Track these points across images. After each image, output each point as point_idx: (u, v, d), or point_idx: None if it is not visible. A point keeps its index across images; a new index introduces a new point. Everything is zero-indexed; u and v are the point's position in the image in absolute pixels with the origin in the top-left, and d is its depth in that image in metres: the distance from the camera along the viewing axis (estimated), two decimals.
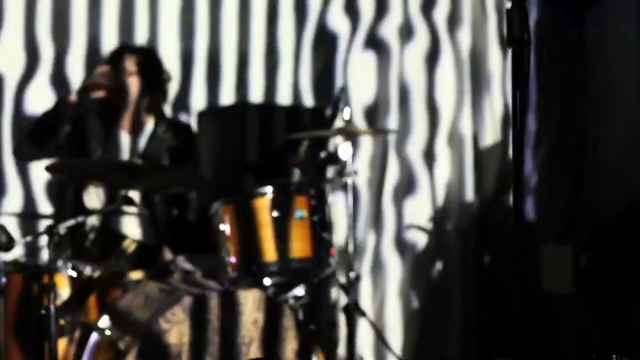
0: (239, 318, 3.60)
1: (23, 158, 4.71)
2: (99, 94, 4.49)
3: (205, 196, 4.45)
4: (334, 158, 4.26)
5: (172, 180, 4.16)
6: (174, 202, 4.53)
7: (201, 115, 4.95)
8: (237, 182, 4.83)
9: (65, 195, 4.53)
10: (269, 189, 3.88)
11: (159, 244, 4.41)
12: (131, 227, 4.45)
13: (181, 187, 4.30)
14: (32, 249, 4.59)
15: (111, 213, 4.32)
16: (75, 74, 4.78)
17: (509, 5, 2.39)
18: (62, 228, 3.69)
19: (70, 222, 3.74)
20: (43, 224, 4.68)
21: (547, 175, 5.08)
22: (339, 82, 5.07)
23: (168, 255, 4.39)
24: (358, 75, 5.10)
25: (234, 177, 4.88)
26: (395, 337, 4.98)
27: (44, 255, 4.58)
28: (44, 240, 4.32)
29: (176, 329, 3.54)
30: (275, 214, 3.86)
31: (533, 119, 5.08)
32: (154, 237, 4.42)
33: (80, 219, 3.81)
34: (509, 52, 4.94)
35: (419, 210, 5.10)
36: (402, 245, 5.07)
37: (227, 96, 5.01)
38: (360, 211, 4.98)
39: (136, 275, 4.02)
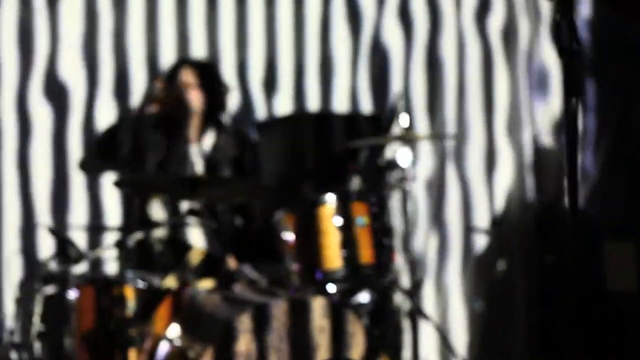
0: (306, 325, 3.65)
1: (89, 171, 4.82)
2: (160, 107, 4.59)
3: (267, 205, 4.51)
4: (393, 164, 4.30)
5: (235, 191, 4.23)
6: (237, 211, 4.60)
7: (260, 125, 5.02)
8: (297, 191, 4.88)
9: (131, 208, 4.63)
10: (330, 197, 3.93)
11: (223, 253, 4.48)
12: (196, 237, 4.53)
13: (244, 197, 4.37)
14: (97, 262, 4.69)
15: (177, 225, 4.40)
16: (136, 88, 4.87)
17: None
18: (131, 240, 3.77)
19: (139, 235, 3.82)
20: (109, 237, 4.78)
21: (607, 173, 5.07)
22: (394, 88, 5.11)
23: (233, 264, 4.46)
24: (414, 81, 5.14)
25: (293, 186, 4.94)
26: (459, 340, 5.00)
27: (110, 267, 4.69)
28: (110, 252, 4.42)
29: (245, 337, 3.61)
30: (337, 221, 3.91)
31: (593, 117, 5.07)
32: (218, 247, 4.50)
33: (147, 231, 3.89)
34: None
35: (480, 212, 5.12)
36: (463, 248, 5.09)
37: (284, 105, 5.07)
38: (420, 216, 5.01)
39: (203, 284, 4.10)
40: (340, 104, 5.11)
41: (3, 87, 4.79)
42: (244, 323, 3.62)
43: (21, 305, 4.65)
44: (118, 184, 4.15)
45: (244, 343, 3.60)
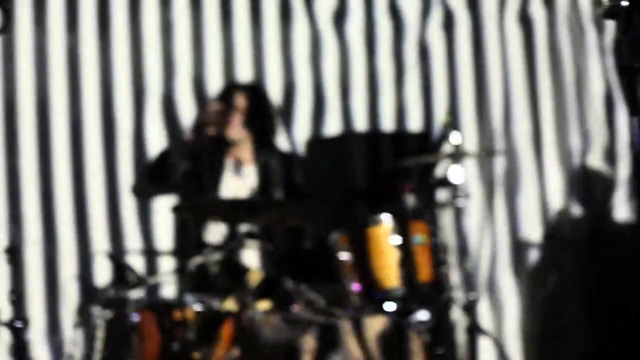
0: (368, 344, 3.68)
1: (142, 196, 4.87)
2: (211, 131, 4.64)
3: (320, 226, 4.55)
4: (444, 182, 4.33)
5: (289, 213, 4.26)
6: (291, 232, 4.64)
7: (308, 146, 5.06)
8: (348, 210, 4.92)
9: (187, 232, 4.68)
10: (386, 216, 3.96)
11: (279, 274, 4.51)
12: (251, 259, 4.58)
13: (298, 219, 4.41)
14: (153, 286, 4.74)
15: (234, 247, 4.45)
16: (183, 111, 4.93)
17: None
18: (192, 264, 3.82)
19: (199, 259, 3.87)
20: (163, 261, 4.83)
21: None
22: (440, 104, 5.15)
23: (289, 285, 4.50)
24: (460, 96, 5.17)
25: (344, 206, 4.97)
26: (516, 354, 5.01)
27: (166, 291, 4.74)
28: (166, 276, 4.47)
29: (308, 357, 3.64)
30: (394, 240, 3.94)
31: None
32: (273, 268, 4.54)
33: (206, 254, 3.94)
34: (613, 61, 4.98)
35: (531, 226, 5.12)
36: (516, 262, 5.10)
37: (331, 126, 5.11)
38: (472, 232, 5.02)
39: (262, 306, 4.13)
40: (387, 122, 5.15)
41: (55, 117, 4.86)
42: (308, 343, 3.65)
43: (79, 330, 4.72)
44: (176, 209, 4.20)
45: None
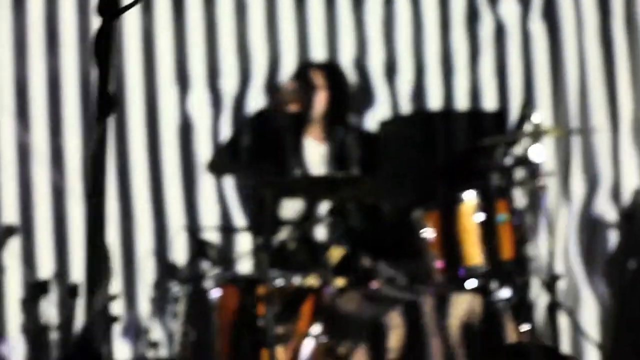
0: (454, 321, 3.68)
1: (218, 172, 4.90)
2: (289, 108, 4.65)
3: (397, 203, 4.55)
4: (524, 161, 4.30)
5: (368, 190, 4.26)
6: (368, 209, 4.64)
7: (383, 124, 5.05)
8: (425, 189, 4.90)
9: (263, 208, 4.69)
10: (471, 194, 3.95)
11: (357, 251, 4.52)
12: (327, 236, 4.58)
13: (376, 196, 4.41)
14: (230, 262, 4.77)
15: (311, 224, 4.46)
16: (258, 90, 4.94)
17: None
18: (275, 241, 3.83)
19: (283, 235, 3.88)
20: (239, 238, 4.86)
21: None
22: (515, 81, 5.12)
23: (366, 262, 4.50)
24: (535, 75, 5.14)
25: (421, 184, 4.96)
26: (593, 332, 4.97)
27: (242, 267, 4.76)
28: (247, 253, 4.48)
29: (394, 333, 3.65)
30: (479, 218, 3.93)
31: None
32: (351, 245, 4.54)
33: (293, 230, 3.95)
34: None
35: (606, 210, 5.08)
36: (592, 246, 5.07)
37: (405, 103, 5.10)
38: (549, 213, 4.98)
39: (340, 282, 4.14)
40: (461, 101, 5.12)
41: (130, 94, 4.90)
42: (394, 319, 3.65)
43: (156, 305, 4.77)
44: (257, 186, 4.22)
45: (395, 339, 3.64)
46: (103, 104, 1.67)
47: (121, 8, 1.68)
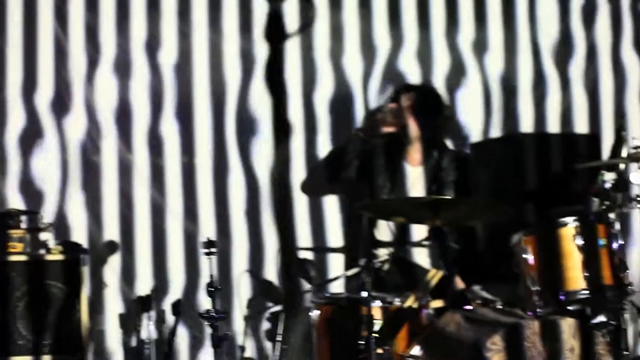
0: (557, 346, 3.69)
1: (313, 193, 4.97)
2: (386, 129, 4.71)
3: (490, 225, 4.58)
4: (624, 185, 4.30)
5: (464, 213, 4.29)
6: (463, 231, 4.67)
7: (474, 147, 5.09)
8: (519, 212, 4.93)
9: (359, 230, 4.75)
10: (571, 219, 3.97)
11: (451, 274, 4.55)
12: (422, 258, 4.63)
13: (472, 218, 4.43)
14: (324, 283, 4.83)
15: (406, 245, 4.51)
16: (356, 112, 5.02)
17: None
18: (377, 262, 3.89)
19: (385, 256, 3.94)
20: (334, 258, 4.92)
21: None
22: (607, 108, 5.13)
23: (460, 284, 4.53)
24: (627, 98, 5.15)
25: (513, 207, 4.98)
26: None
27: (335, 288, 4.82)
28: (348, 274, 4.54)
29: (496, 357, 3.67)
30: (579, 242, 3.95)
31: None
32: (446, 268, 4.57)
33: (399, 251, 4.00)
34: None
35: None
36: None
37: (497, 127, 5.15)
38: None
39: (436, 304, 4.18)
40: (553, 124, 5.15)
41: (227, 113, 5.00)
42: (496, 343, 3.68)
43: (251, 323, 4.84)
44: (360, 208, 4.28)
45: None
46: (280, 128, 1.74)
47: (287, 34, 1.74)
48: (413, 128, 4.72)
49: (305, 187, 4.98)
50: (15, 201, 4.80)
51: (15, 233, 4.52)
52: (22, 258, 4.51)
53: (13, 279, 4.45)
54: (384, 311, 4.03)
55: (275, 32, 1.68)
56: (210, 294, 3.71)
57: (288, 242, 4.91)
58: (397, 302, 4.08)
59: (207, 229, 4.91)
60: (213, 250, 3.75)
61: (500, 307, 4.10)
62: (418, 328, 4.02)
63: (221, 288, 3.75)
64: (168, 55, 4.96)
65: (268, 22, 1.91)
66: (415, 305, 4.08)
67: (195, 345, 4.84)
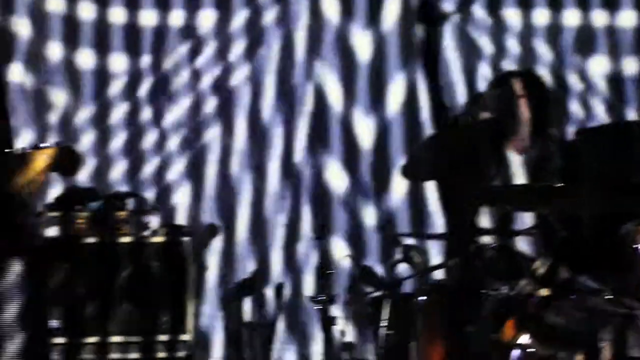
0: None
1: (414, 177, 4.94)
2: (490, 116, 4.65)
3: (596, 214, 4.49)
4: None
5: (571, 201, 4.22)
6: (569, 220, 4.60)
7: (581, 134, 5.01)
8: (626, 200, 4.83)
9: (462, 216, 4.70)
10: None
11: (557, 262, 4.48)
12: (525, 246, 4.57)
13: (579, 206, 4.36)
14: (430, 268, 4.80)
15: (511, 233, 4.45)
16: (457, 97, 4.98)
17: None
18: (490, 249, 3.84)
19: (497, 243, 3.89)
20: (433, 244, 4.90)
21: None
22: None
23: (565, 273, 4.46)
24: None
25: (620, 195, 4.89)
26: None
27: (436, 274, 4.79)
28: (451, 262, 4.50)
29: (609, 348, 3.62)
30: None
31: None
32: (553, 256, 4.51)
33: (505, 239, 3.96)
34: None
35: None
36: None
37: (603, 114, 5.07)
38: None
39: (543, 293, 4.12)
40: None
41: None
42: (609, 334, 3.62)
43: (351, 308, 4.83)
44: (479, 195, 4.24)
45: (609, 353, 3.61)
46: (439, 112, 1.72)
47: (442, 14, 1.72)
48: (521, 114, 4.66)
49: (406, 171, 4.95)
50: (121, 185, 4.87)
51: (121, 215, 4.58)
52: (127, 240, 4.57)
53: (119, 260, 4.51)
54: (493, 299, 3.99)
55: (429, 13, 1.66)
56: (324, 276, 3.71)
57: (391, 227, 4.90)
58: (504, 290, 4.04)
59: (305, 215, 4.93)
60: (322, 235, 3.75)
61: (610, 297, 4.03)
62: (526, 316, 3.97)
63: (333, 271, 3.73)
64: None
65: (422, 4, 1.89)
66: (524, 293, 4.04)
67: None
